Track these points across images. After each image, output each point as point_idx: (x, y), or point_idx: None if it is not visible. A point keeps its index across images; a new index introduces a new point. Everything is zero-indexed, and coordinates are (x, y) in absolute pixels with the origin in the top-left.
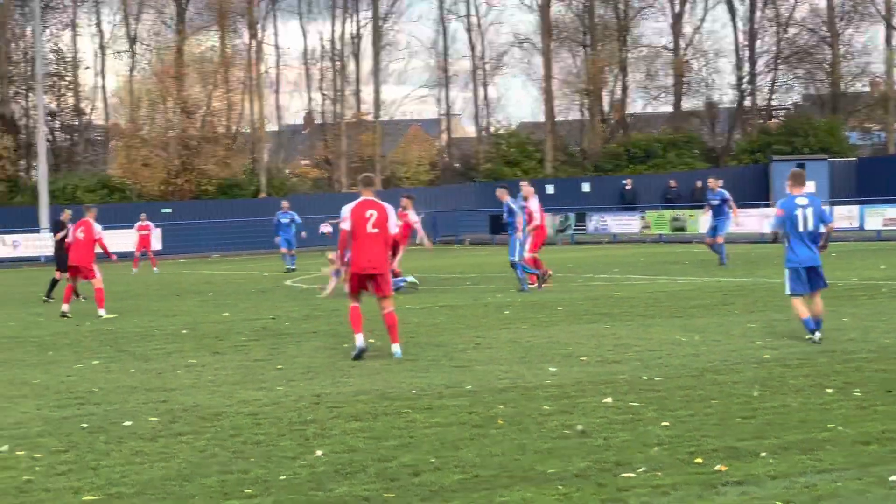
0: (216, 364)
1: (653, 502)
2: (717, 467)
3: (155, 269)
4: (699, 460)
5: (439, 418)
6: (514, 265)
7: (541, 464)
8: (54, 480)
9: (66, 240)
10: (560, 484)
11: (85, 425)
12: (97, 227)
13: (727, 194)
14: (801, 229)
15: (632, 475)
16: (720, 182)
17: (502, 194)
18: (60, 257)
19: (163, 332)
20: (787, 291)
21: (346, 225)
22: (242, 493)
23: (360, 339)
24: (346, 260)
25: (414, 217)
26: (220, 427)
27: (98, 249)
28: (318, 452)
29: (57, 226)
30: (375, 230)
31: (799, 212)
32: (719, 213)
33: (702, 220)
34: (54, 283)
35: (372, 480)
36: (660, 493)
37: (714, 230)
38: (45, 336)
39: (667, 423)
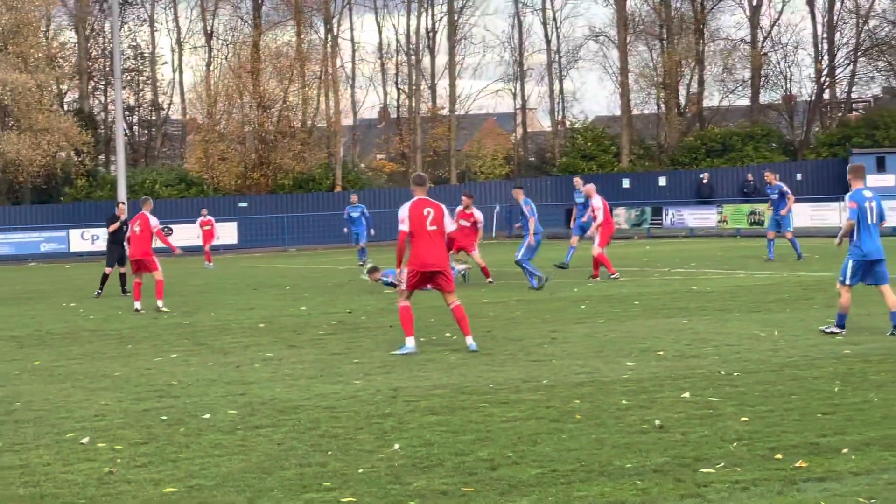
0: (293, 357)
1: (732, 498)
2: (798, 463)
3: (209, 264)
4: (779, 456)
5: (516, 412)
6: (518, 263)
7: (618, 458)
8: (135, 472)
9: (126, 234)
10: (638, 479)
11: (165, 418)
12: (154, 220)
13: (784, 187)
14: (869, 222)
15: (711, 471)
16: (777, 175)
17: (517, 194)
18: (112, 252)
19: (240, 326)
20: (847, 281)
21: (404, 226)
22: (321, 486)
23: (410, 342)
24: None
25: (479, 216)
26: (298, 420)
27: (158, 243)
28: (396, 446)
29: (111, 220)
30: (434, 227)
31: (867, 204)
32: (780, 206)
33: (767, 216)
34: (105, 278)
35: (450, 474)
36: (739, 489)
37: (777, 225)
38: (125, 329)
39: (746, 419)
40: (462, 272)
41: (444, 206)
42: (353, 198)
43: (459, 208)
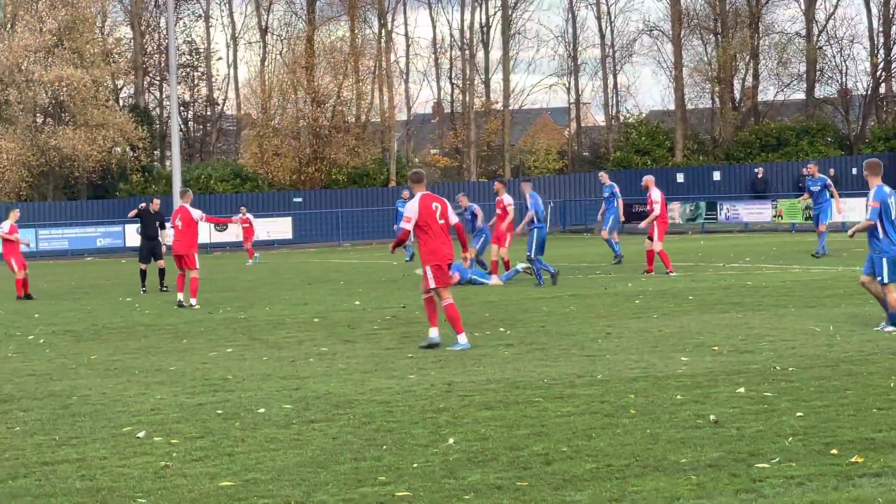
0: (348, 352)
1: (787, 493)
2: (854, 459)
3: (249, 261)
4: (834, 451)
5: (570, 407)
6: (530, 261)
7: (673, 453)
8: (191, 466)
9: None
10: (693, 474)
11: (220, 412)
12: (196, 212)
13: (828, 180)
14: (894, 217)
15: (766, 466)
16: (817, 167)
17: (525, 187)
18: (142, 248)
19: (294, 321)
20: (886, 279)
21: (408, 224)
22: (376, 481)
23: (434, 333)
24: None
25: (508, 200)
26: (353, 415)
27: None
28: (451, 440)
29: (141, 215)
30: (442, 221)
31: (890, 200)
32: (820, 199)
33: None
34: (143, 274)
35: (504, 468)
36: (794, 485)
37: (816, 219)
38: (180, 324)
39: (801, 414)
40: (527, 268)
41: (446, 201)
42: (405, 194)
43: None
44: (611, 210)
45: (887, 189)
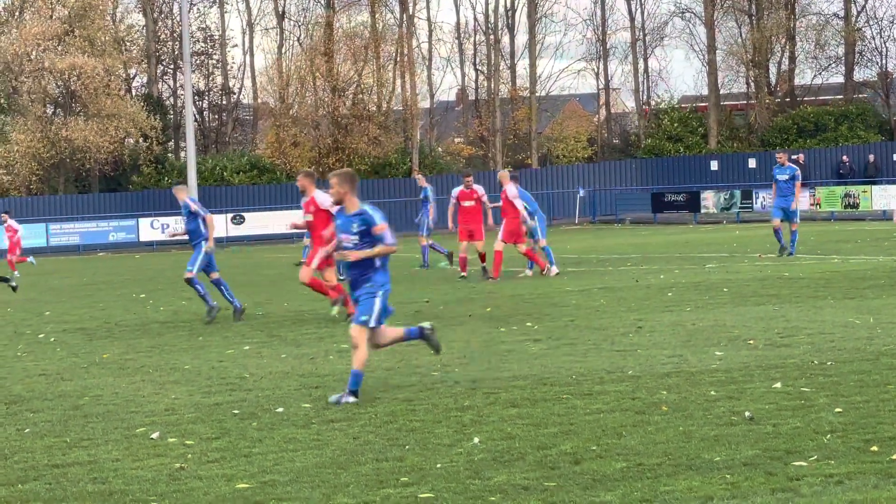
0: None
1: (826, 492)
2: (895, 456)
3: (16, 273)
4: (875, 448)
5: (600, 404)
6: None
7: (707, 451)
8: (207, 468)
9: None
10: (727, 472)
11: (237, 412)
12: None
13: (797, 170)
14: None
15: (803, 464)
16: (787, 155)
17: (504, 178)
18: None
19: (314, 317)
20: None
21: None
22: (398, 482)
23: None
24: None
25: (512, 191)
26: (374, 413)
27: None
28: (476, 439)
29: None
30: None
31: None
32: (787, 191)
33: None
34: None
35: (531, 468)
36: (833, 483)
37: (783, 212)
38: (195, 321)
39: (840, 410)
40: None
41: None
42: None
43: (458, 189)
44: (426, 214)
45: None
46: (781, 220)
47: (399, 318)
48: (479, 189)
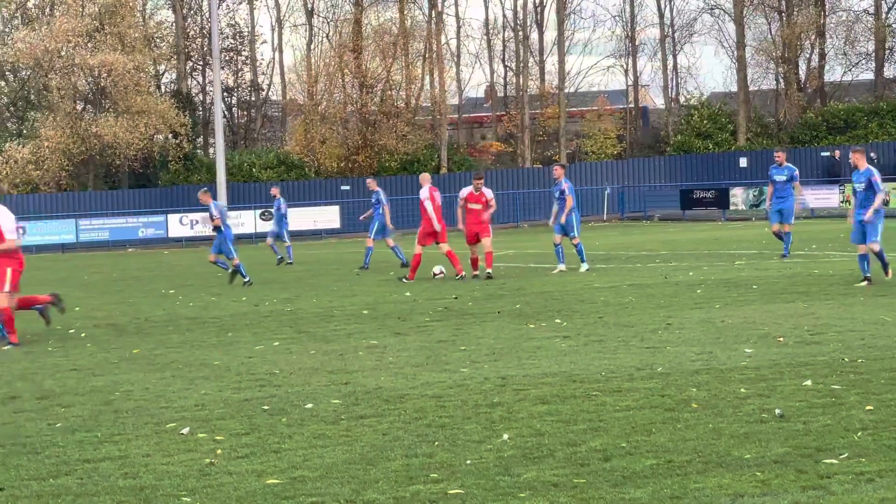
0: (398, 345)
1: (856, 490)
2: None
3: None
4: None
5: (630, 401)
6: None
7: (737, 449)
8: (236, 463)
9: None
10: (758, 470)
11: (266, 407)
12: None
13: (796, 171)
14: None
15: (834, 461)
16: (785, 154)
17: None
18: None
19: (343, 313)
20: None
21: None
22: (427, 478)
23: None
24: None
25: (490, 194)
26: (404, 410)
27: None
28: (505, 436)
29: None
30: None
31: None
32: (784, 192)
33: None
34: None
35: (561, 465)
36: (864, 481)
37: (778, 215)
38: (225, 317)
39: (871, 407)
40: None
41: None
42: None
43: (467, 190)
44: (377, 217)
45: None
46: (780, 223)
47: (427, 314)
48: (488, 192)
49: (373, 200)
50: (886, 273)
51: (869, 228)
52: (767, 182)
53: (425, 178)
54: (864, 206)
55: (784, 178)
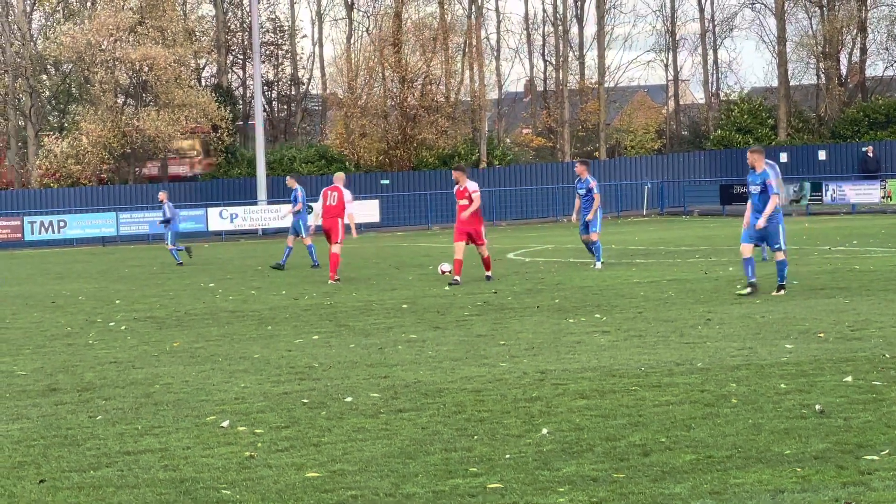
0: (437, 339)
1: None
2: None
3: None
4: None
5: (669, 396)
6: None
7: (777, 445)
8: (276, 457)
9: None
10: (798, 466)
11: (306, 401)
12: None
13: (772, 172)
14: None
15: (875, 458)
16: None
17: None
18: None
19: (382, 307)
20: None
21: None
22: (467, 472)
23: None
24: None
25: (473, 187)
26: (443, 404)
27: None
28: (544, 430)
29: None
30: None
31: None
32: (760, 207)
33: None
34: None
35: (600, 460)
36: None
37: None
38: (264, 310)
39: None
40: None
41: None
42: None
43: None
44: (302, 215)
45: None
46: (755, 246)
47: (466, 308)
48: (472, 186)
49: (291, 198)
50: (778, 289)
51: (770, 235)
52: (802, 179)
53: (339, 177)
54: (760, 211)
55: (758, 187)
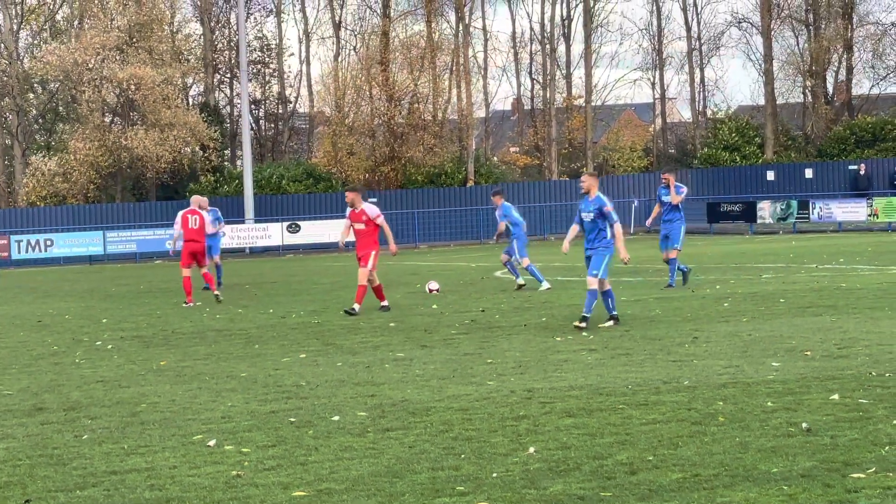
0: (424, 358)
1: None
2: None
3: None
4: None
5: (656, 414)
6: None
7: (764, 463)
8: (263, 476)
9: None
10: (784, 484)
11: (293, 419)
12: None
13: (684, 190)
14: None
15: (861, 476)
16: (674, 176)
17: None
18: None
19: (370, 325)
20: None
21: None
22: (454, 491)
23: None
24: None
25: (374, 212)
26: (430, 422)
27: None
28: (531, 449)
29: None
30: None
31: None
32: (671, 215)
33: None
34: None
35: (587, 478)
36: (892, 496)
37: (664, 240)
38: (252, 329)
39: None
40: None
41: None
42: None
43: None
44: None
45: None
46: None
47: (453, 326)
48: (370, 210)
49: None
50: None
51: (594, 260)
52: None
53: (194, 199)
54: (592, 239)
55: (592, 214)
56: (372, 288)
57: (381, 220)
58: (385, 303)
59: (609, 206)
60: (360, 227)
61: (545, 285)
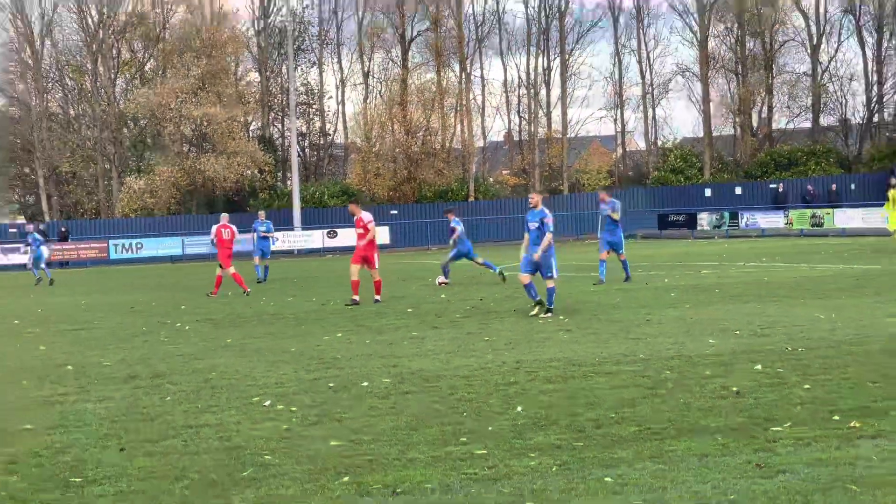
0: (435, 336)
1: (797, 452)
2: (852, 424)
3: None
4: (836, 418)
5: (618, 381)
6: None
7: (703, 419)
8: (308, 429)
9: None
10: (719, 436)
11: (331, 385)
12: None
13: (617, 204)
14: None
15: (779, 429)
16: (608, 193)
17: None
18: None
19: (393, 311)
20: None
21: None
22: (458, 441)
23: None
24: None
25: (368, 217)
26: (440, 387)
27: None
28: (519, 408)
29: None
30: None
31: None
32: (611, 226)
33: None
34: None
35: (563, 431)
36: (803, 445)
37: (611, 245)
38: (299, 313)
39: (808, 386)
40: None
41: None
42: (261, 214)
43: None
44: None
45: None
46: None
47: (458, 311)
48: (366, 217)
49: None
50: (545, 311)
51: (543, 265)
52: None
53: (223, 217)
54: (536, 244)
55: (536, 224)
56: (374, 282)
57: (371, 225)
58: (378, 296)
59: (549, 218)
60: (361, 232)
61: (441, 279)
